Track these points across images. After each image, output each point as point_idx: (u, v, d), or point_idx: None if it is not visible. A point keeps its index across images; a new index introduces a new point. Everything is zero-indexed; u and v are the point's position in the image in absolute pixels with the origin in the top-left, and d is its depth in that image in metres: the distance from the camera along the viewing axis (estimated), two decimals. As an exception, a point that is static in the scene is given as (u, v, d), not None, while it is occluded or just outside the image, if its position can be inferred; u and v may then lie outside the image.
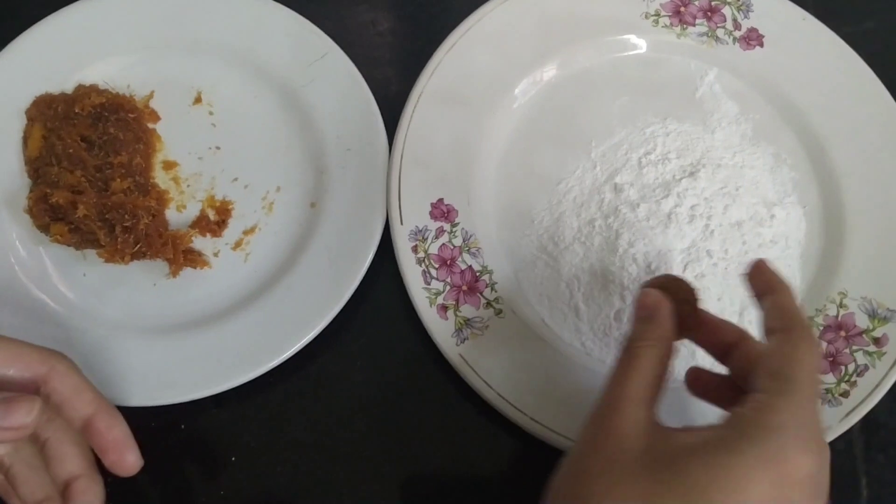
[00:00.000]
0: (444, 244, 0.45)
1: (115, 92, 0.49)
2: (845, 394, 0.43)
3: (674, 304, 0.35)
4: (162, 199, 0.47)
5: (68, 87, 0.49)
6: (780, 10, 0.52)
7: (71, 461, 0.34)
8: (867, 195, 0.48)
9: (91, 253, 0.46)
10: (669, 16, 0.52)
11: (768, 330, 0.33)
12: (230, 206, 0.48)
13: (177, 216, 0.48)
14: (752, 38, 0.52)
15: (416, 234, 0.45)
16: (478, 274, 0.45)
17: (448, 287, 0.44)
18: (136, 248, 0.44)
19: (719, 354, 0.36)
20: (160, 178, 0.48)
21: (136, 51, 0.50)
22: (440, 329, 0.43)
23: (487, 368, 0.42)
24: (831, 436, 0.42)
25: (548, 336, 0.44)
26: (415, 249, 0.45)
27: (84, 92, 0.48)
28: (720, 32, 0.52)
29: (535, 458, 0.42)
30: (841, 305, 0.45)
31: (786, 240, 0.47)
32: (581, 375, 0.43)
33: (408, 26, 0.54)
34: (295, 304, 0.44)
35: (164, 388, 0.42)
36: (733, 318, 0.44)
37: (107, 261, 0.44)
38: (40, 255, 0.46)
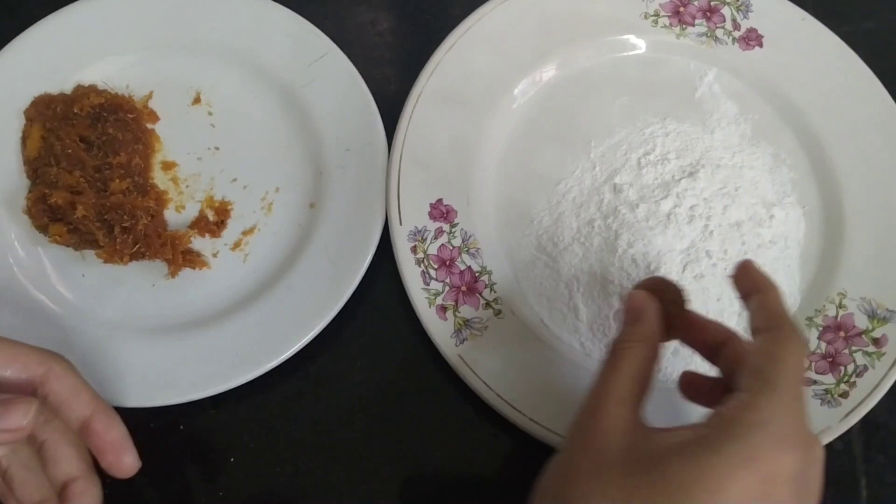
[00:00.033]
0: (443, 245, 0.45)
1: (114, 92, 0.49)
2: (844, 394, 0.43)
3: (661, 305, 0.35)
4: (161, 199, 0.47)
5: (67, 87, 0.49)
6: (779, 10, 0.52)
7: (68, 462, 0.34)
8: (866, 195, 0.48)
9: (90, 253, 0.46)
10: (669, 16, 0.52)
11: (754, 329, 0.33)
12: (229, 207, 0.48)
13: (176, 217, 0.48)
14: (752, 39, 0.52)
15: (415, 234, 0.45)
16: (477, 274, 0.45)
17: (447, 287, 0.44)
18: (135, 248, 0.44)
19: (709, 354, 0.37)
20: (159, 178, 0.48)
21: (135, 51, 0.50)
22: (439, 330, 0.43)
23: (486, 369, 0.42)
24: (831, 436, 0.42)
25: (547, 336, 0.44)
26: (414, 250, 0.45)
27: (83, 92, 0.48)
28: (719, 32, 0.52)
29: (533, 458, 0.42)
30: (840, 306, 0.45)
31: (785, 240, 0.47)
32: (580, 376, 0.43)
33: (407, 26, 0.54)
34: (294, 304, 0.44)
35: (163, 389, 0.42)
36: (733, 319, 0.44)
37: (105, 261, 0.44)
38: (39, 256, 0.46)
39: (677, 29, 0.52)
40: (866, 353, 0.44)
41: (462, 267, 0.45)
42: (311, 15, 0.51)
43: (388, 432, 0.44)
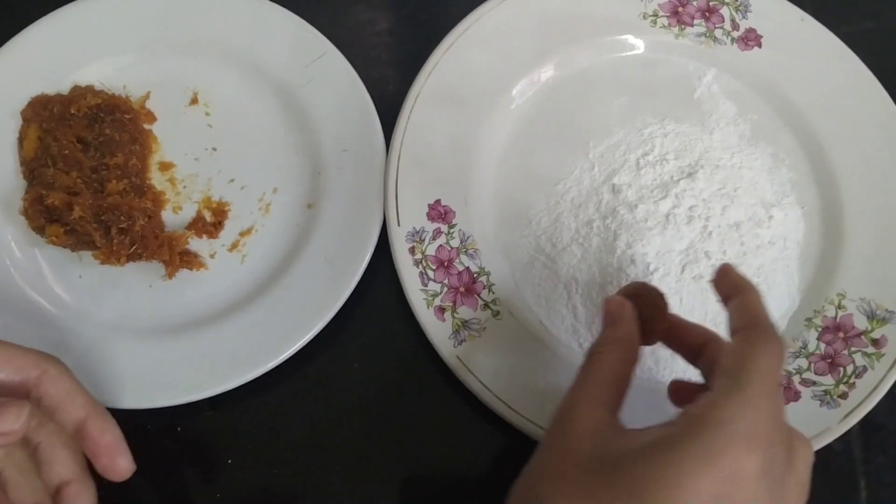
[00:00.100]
0: (441, 245, 0.45)
1: (111, 93, 0.49)
2: (844, 395, 0.43)
3: (638, 309, 0.35)
4: (158, 200, 0.47)
5: (64, 87, 0.49)
6: (778, 10, 0.52)
7: (63, 465, 0.34)
8: (866, 196, 0.48)
9: (87, 254, 0.45)
10: (668, 16, 0.52)
11: (732, 331, 0.33)
12: (226, 208, 0.48)
13: (173, 217, 0.47)
14: (751, 39, 0.51)
15: (413, 235, 0.45)
16: (475, 275, 0.45)
17: (445, 288, 0.44)
18: (132, 249, 0.44)
19: (691, 357, 0.37)
20: (156, 179, 0.48)
21: (132, 51, 0.50)
22: (437, 331, 0.43)
23: (485, 370, 0.42)
24: (830, 437, 0.42)
25: (545, 337, 0.44)
26: (412, 251, 0.45)
27: (80, 93, 0.48)
28: (718, 33, 0.52)
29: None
30: (839, 307, 0.45)
31: (784, 241, 0.46)
32: (579, 377, 0.43)
33: (405, 26, 0.54)
34: (292, 305, 0.44)
35: (161, 390, 0.42)
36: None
37: (102, 262, 0.44)
38: (36, 257, 0.46)
39: (676, 29, 0.52)
40: (866, 354, 0.44)
41: (460, 268, 0.45)
42: (309, 15, 0.50)
43: (387, 433, 0.44)
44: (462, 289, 0.44)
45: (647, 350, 0.41)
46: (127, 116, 0.48)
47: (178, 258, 0.45)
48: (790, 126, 0.50)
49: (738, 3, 0.52)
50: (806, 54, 0.51)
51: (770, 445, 0.28)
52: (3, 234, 0.46)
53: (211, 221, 0.47)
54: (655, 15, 0.52)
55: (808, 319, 0.45)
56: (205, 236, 0.47)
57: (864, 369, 0.43)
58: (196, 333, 0.44)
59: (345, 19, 0.53)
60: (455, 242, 0.45)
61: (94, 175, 0.46)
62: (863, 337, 0.44)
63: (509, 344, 0.43)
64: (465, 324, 0.44)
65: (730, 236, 0.45)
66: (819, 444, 0.42)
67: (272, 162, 0.48)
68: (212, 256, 0.47)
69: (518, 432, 0.42)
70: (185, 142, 0.49)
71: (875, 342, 0.44)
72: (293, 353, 0.43)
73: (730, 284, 0.35)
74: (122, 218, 0.44)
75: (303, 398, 0.44)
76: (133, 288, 0.45)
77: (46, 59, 0.49)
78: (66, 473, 0.34)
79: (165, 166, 0.48)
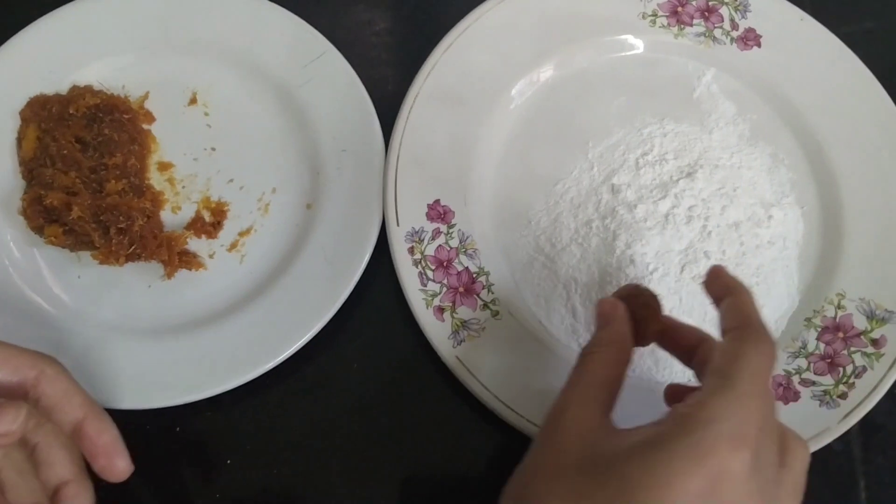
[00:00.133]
0: (440, 245, 0.45)
1: (110, 93, 0.49)
2: (843, 395, 0.43)
3: (632, 310, 0.36)
4: (157, 200, 0.47)
5: (63, 87, 0.49)
6: (777, 10, 0.52)
7: (60, 466, 0.34)
8: (865, 196, 0.48)
9: (85, 255, 0.45)
10: (667, 16, 0.52)
11: (723, 331, 0.33)
12: (225, 208, 0.47)
13: (172, 218, 0.47)
14: (750, 39, 0.51)
15: (412, 235, 0.45)
16: (474, 275, 0.45)
17: (444, 289, 0.44)
18: (131, 249, 0.44)
19: (685, 358, 0.37)
20: (155, 179, 0.48)
21: (130, 51, 0.50)
22: (437, 331, 0.43)
23: (484, 370, 0.42)
24: (829, 437, 0.42)
25: (545, 338, 0.44)
26: (411, 251, 0.45)
27: (79, 93, 0.48)
28: (718, 33, 0.52)
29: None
30: (839, 307, 0.45)
31: (783, 241, 0.46)
32: (578, 377, 0.43)
33: (405, 26, 0.54)
34: (291, 305, 0.44)
35: (159, 391, 0.42)
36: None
37: (101, 262, 0.44)
38: (34, 257, 0.46)
39: (675, 29, 0.52)
40: (865, 354, 0.44)
41: (459, 268, 0.45)
42: (308, 15, 0.50)
43: (386, 433, 0.44)
44: (461, 289, 0.44)
45: (646, 351, 0.41)
46: (126, 116, 0.47)
47: (176, 258, 0.45)
48: (790, 126, 0.50)
49: (738, 2, 0.52)
50: (805, 54, 0.51)
51: (759, 444, 0.28)
52: (2, 235, 0.46)
53: (210, 221, 0.47)
54: (655, 15, 0.52)
55: (808, 319, 0.45)
56: (204, 236, 0.47)
57: (864, 369, 0.43)
58: (195, 334, 0.44)
59: (344, 19, 0.53)
60: (454, 242, 0.45)
61: (93, 175, 0.46)
62: (862, 337, 0.44)
63: (508, 344, 0.43)
64: (464, 324, 0.44)
65: (729, 236, 0.45)
66: (818, 445, 0.42)
67: (271, 162, 0.48)
68: (211, 256, 0.47)
69: (517, 432, 0.42)
70: (184, 142, 0.49)
71: (874, 342, 0.44)
72: (292, 353, 0.43)
73: (721, 286, 0.35)
74: (120, 218, 0.43)
75: (302, 398, 0.44)
76: (132, 288, 0.45)
77: (45, 59, 0.49)
78: (64, 474, 0.34)
79: (164, 166, 0.48)
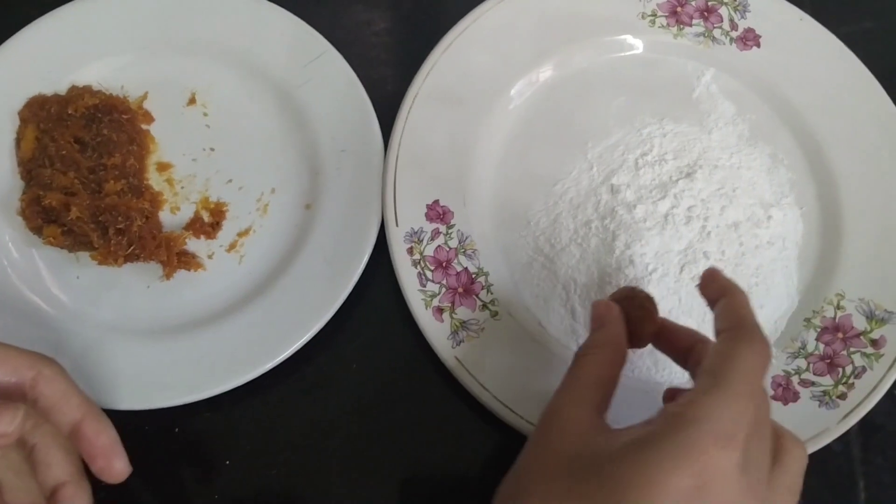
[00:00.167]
0: (439, 246, 0.45)
1: (109, 93, 0.49)
2: (843, 396, 0.43)
3: (627, 312, 0.36)
4: (156, 200, 0.47)
5: (61, 88, 0.49)
6: (776, 10, 0.52)
7: (58, 467, 0.34)
8: (865, 196, 0.48)
9: (84, 255, 0.45)
10: (666, 16, 0.52)
11: (717, 332, 0.33)
12: (224, 208, 0.47)
13: (171, 218, 0.47)
14: (749, 39, 0.51)
15: (411, 235, 0.45)
16: (474, 276, 0.45)
17: (444, 289, 0.44)
18: (130, 250, 0.44)
19: (681, 360, 0.37)
20: (154, 179, 0.48)
21: (129, 52, 0.50)
22: (436, 331, 0.43)
23: (483, 371, 0.42)
24: (829, 438, 0.42)
25: (544, 338, 0.44)
26: (410, 251, 0.45)
27: (77, 93, 0.48)
28: (717, 33, 0.52)
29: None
30: (838, 307, 0.45)
31: (783, 241, 0.46)
32: (577, 378, 0.43)
33: (404, 26, 0.54)
34: (290, 306, 0.44)
35: (158, 391, 0.42)
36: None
37: (100, 263, 0.44)
38: (33, 258, 0.46)
39: (674, 29, 0.52)
40: (865, 355, 0.44)
41: (459, 268, 0.45)
42: (308, 15, 0.50)
43: (385, 434, 0.44)
44: (460, 289, 0.44)
45: (645, 351, 0.41)
46: (125, 117, 0.47)
47: (175, 259, 0.45)
48: (789, 126, 0.50)
49: (737, 2, 0.52)
50: (805, 54, 0.51)
51: (750, 444, 0.28)
52: (1, 235, 0.46)
53: (209, 222, 0.47)
54: (654, 15, 0.52)
55: (807, 320, 0.45)
56: (203, 237, 0.47)
57: (863, 370, 0.43)
58: (194, 334, 0.44)
59: (343, 19, 0.53)
60: (453, 243, 0.45)
61: (92, 175, 0.46)
62: (862, 337, 0.44)
63: (508, 344, 0.43)
64: (463, 324, 0.43)
65: (728, 236, 0.45)
66: (818, 445, 0.42)
67: (270, 162, 0.48)
68: (210, 257, 0.47)
69: (516, 432, 0.42)
70: (183, 142, 0.49)
71: (874, 342, 0.44)
72: (291, 353, 0.43)
73: (716, 287, 0.35)
74: (119, 218, 0.43)
75: (301, 399, 0.44)
76: (131, 289, 0.45)
77: (44, 59, 0.49)
78: (62, 475, 0.34)
79: (163, 167, 0.48)
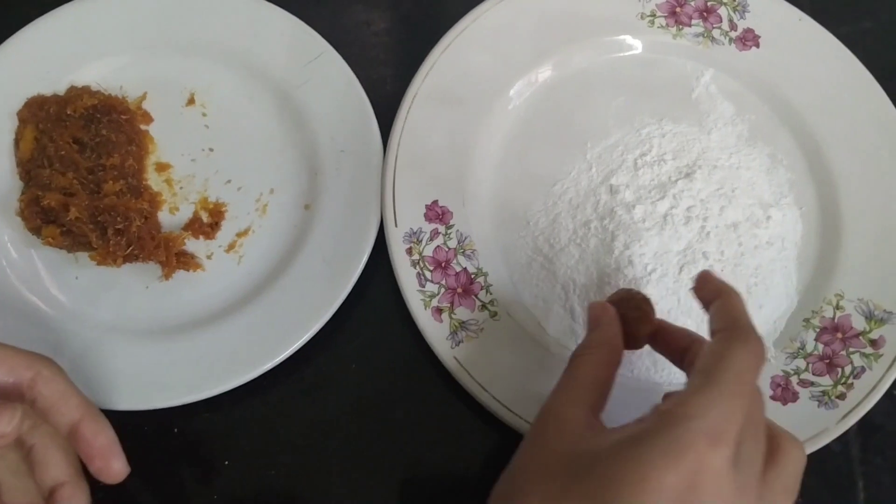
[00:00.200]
0: (438, 246, 0.45)
1: (108, 93, 0.49)
2: (842, 396, 0.43)
3: (623, 313, 0.36)
4: (154, 201, 0.47)
5: (60, 88, 0.49)
6: (776, 10, 0.52)
7: (56, 467, 0.34)
8: (864, 196, 0.48)
9: (83, 255, 0.45)
10: (665, 16, 0.52)
11: (711, 333, 0.33)
12: (223, 209, 0.47)
13: (169, 218, 0.47)
14: (748, 39, 0.51)
15: (410, 236, 0.45)
16: (473, 276, 0.45)
17: (443, 289, 0.44)
18: (129, 250, 0.44)
19: (677, 360, 0.37)
20: (153, 180, 0.48)
21: (128, 52, 0.50)
22: (435, 332, 0.43)
23: (482, 371, 0.42)
24: (828, 438, 0.42)
25: (543, 338, 0.44)
26: (409, 251, 0.45)
27: (76, 93, 0.48)
28: (716, 33, 0.52)
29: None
30: (837, 307, 0.45)
31: (782, 241, 0.46)
32: (577, 378, 0.43)
33: (403, 26, 0.54)
34: (289, 306, 0.44)
35: (157, 392, 0.42)
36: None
37: (99, 263, 0.44)
38: (32, 258, 0.46)
39: (674, 29, 0.52)
40: (864, 355, 0.44)
41: (458, 269, 0.45)
42: (307, 15, 0.50)
43: (384, 434, 0.44)
44: (459, 290, 0.44)
45: (644, 352, 0.41)
46: (123, 117, 0.47)
47: (174, 259, 0.45)
48: (788, 126, 0.50)
49: (736, 3, 0.52)
50: (804, 54, 0.51)
51: (741, 442, 0.29)
52: (0, 236, 0.45)
53: (208, 222, 0.47)
54: (653, 15, 0.52)
55: (807, 320, 0.45)
56: (201, 237, 0.47)
57: (863, 370, 0.43)
58: (193, 334, 0.44)
59: (342, 19, 0.53)
60: (452, 243, 0.45)
61: (91, 176, 0.45)
62: (861, 337, 0.44)
63: (507, 345, 0.43)
64: (462, 325, 0.43)
65: (727, 237, 0.45)
66: (817, 445, 0.42)
67: (269, 162, 0.48)
68: (208, 257, 0.46)
69: (515, 433, 0.42)
70: (182, 142, 0.49)
71: (873, 343, 0.44)
72: (290, 354, 0.43)
73: (711, 289, 0.36)
74: (118, 219, 0.43)
75: (300, 399, 0.44)
76: (129, 289, 0.45)
77: (43, 59, 0.49)
78: (60, 475, 0.34)
79: (162, 167, 0.48)
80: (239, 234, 0.47)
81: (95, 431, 0.33)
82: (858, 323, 0.45)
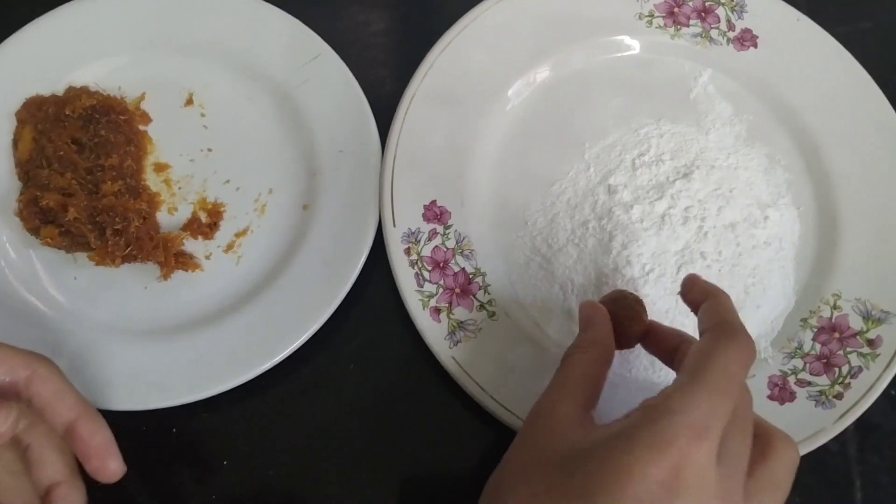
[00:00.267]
0: (436, 246, 0.45)
1: (106, 94, 0.49)
2: (839, 396, 0.43)
3: (615, 313, 0.37)
4: (153, 201, 0.47)
5: (59, 88, 0.49)
6: (774, 10, 0.52)
7: (52, 467, 0.34)
8: (862, 196, 0.48)
9: (82, 256, 0.45)
10: (663, 17, 0.52)
11: (700, 333, 0.34)
12: (222, 209, 0.47)
13: (168, 219, 0.47)
14: (746, 39, 0.51)
15: (408, 236, 0.45)
16: (471, 276, 0.45)
17: (441, 289, 0.44)
18: (127, 250, 0.44)
19: (668, 360, 0.37)
20: (151, 180, 0.48)
21: (126, 52, 0.50)
22: (433, 332, 0.43)
23: (480, 371, 0.42)
24: (825, 438, 0.42)
25: (541, 339, 0.44)
26: (407, 252, 0.45)
27: (75, 94, 0.48)
28: (714, 33, 0.52)
29: (528, 461, 0.42)
30: (835, 307, 0.45)
31: (780, 241, 0.46)
32: (575, 378, 0.43)
33: (401, 27, 0.54)
34: (287, 306, 0.44)
35: (156, 392, 0.42)
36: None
37: (97, 264, 0.44)
38: (30, 259, 0.46)
39: (672, 30, 0.52)
40: (861, 355, 0.44)
41: (456, 269, 0.45)
42: (305, 16, 0.50)
43: (382, 434, 0.44)
44: (458, 290, 0.44)
45: (641, 352, 0.41)
46: (122, 117, 0.47)
47: (173, 259, 0.45)
48: (786, 126, 0.50)
49: (734, 3, 0.52)
50: (802, 54, 0.51)
51: (727, 438, 0.29)
52: (-2, 236, 0.46)
53: (206, 222, 0.47)
54: (651, 15, 0.52)
55: (804, 320, 0.45)
56: (200, 237, 0.47)
57: (860, 370, 0.43)
58: (192, 335, 0.44)
59: (340, 20, 0.53)
60: (451, 243, 0.45)
61: (89, 176, 0.45)
62: (858, 337, 0.44)
63: (505, 345, 0.43)
64: (460, 325, 0.44)
65: (725, 237, 0.45)
66: (814, 445, 0.42)
67: (268, 163, 0.48)
68: (207, 258, 0.47)
69: (513, 433, 0.42)
70: (181, 143, 0.49)
71: (870, 342, 0.44)
72: (289, 354, 0.43)
73: (699, 291, 0.36)
74: (117, 219, 0.43)
75: (298, 399, 0.44)
76: (128, 289, 0.45)
77: (41, 59, 0.49)
78: (56, 475, 0.34)
79: (160, 167, 0.48)
80: (237, 235, 0.47)
81: (92, 430, 0.33)
82: (856, 323, 0.45)
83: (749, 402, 0.32)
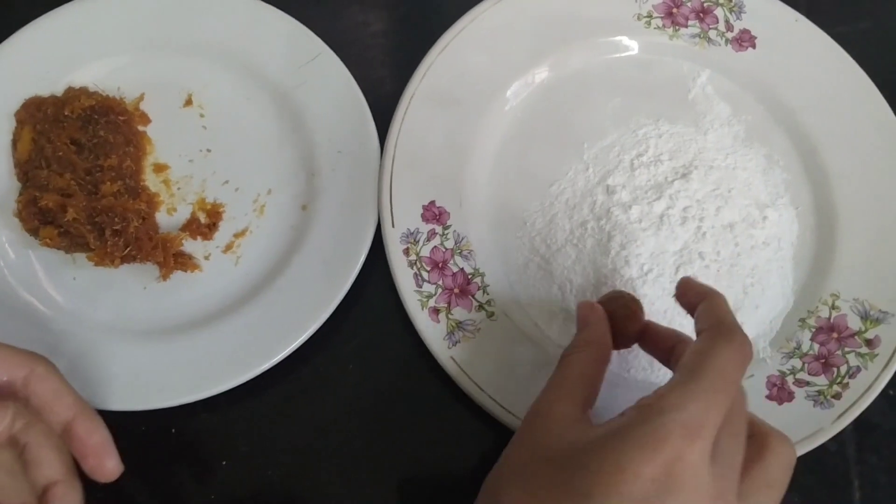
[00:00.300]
0: (435, 247, 0.45)
1: (105, 94, 0.49)
2: (837, 395, 0.43)
3: (612, 313, 0.37)
4: (152, 202, 0.47)
5: (58, 89, 0.49)
6: (772, 11, 0.52)
7: (50, 466, 0.34)
8: (860, 196, 0.48)
9: (81, 256, 0.45)
10: (662, 17, 0.52)
11: (697, 333, 0.34)
12: (221, 209, 0.47)
13: (167, 219, 0.47)
14: (745, 40, 0.51)
15: (407, 236, 0.45)
16: (470, 276, 0.45)
17: (440, 290, 0.44)
18: (126, 251, 0.44)
19: (665, 359, 0.38)
20: (150, 180, 0.48)
21: (126, 53, 0.50)
22: (432, 332, 0.43)
23: (479, 371, 0.42)
24: (823, 437, 0.42)
25: (539, 339, 0.44)
26: (406, 252, 0.45)
27: (74, 94, 0.48)
28: (712, 34, 0.52)
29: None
30: (833, 307, 0.45)
31: (778, 241, 0.47)
32: (573, 378, 0.43)
33: (400, 27, 0.54)
34: (286, 307, 0.44)
35: (155, 392, 0.42)
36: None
37: (97, 264, 0.44)
38: (30, 259, 0.46)
39: (670, 30, 0.52)
40: (859, 355, 0.44)
41: (455, 269, 0.45)
42: (304, 16, 0.50)
43: (381, 434, 0.44)
44: (456, 290, 0.44)
45: (640, 352, 0.42)
46: (121, 118, 0.47)
47: (172, 260, 0.45)
48: (784, 127, 0.50)
49: (733, 4, 0.52)
50: (800, 55, 0.51)
51: (721, 437, 0.29)
52: (-3, 237, 0.46)
53: (205, 223, 0.47)
54: (650, 16, 0.52)
55: (802, 320, 0.45)
56: (199, 238, 0.47)
57: (858, 370, 0.44)
58: (191, 335, 0.44)
59: (340, 21, 0.53)
60: (449, 244, 0.45)
61: (88, 177, 0.46)
62: (856, 337, 0.44)
63: (504, 345, 0.43)
64: (459, 325, 0.44)
65: (724, 237, 0.45)
66: (812, 445, 0.42)
67: (267, 163, 0.48)
68: (206, 258, 0.47)
69: (512, 432, 0.42)
70: (180, 143, 0.49)
71: (868, 342, 0.44)
72: (288, 354, 0.43)
73: (694, 294, 0.36)
74: (116, 220, 0.43)
75: (298, 400, 0.44)
76: (127, 290, 0.45)
77: (40, 60, 0.49)
78: (53, 474, 0.34)
79: (160, 168, 0.48)
80: (236, 235, 0.47)
81: (89, 430, 0.33)
82: (854, 323, 0.45)
83: (744, 402, 0.32)
